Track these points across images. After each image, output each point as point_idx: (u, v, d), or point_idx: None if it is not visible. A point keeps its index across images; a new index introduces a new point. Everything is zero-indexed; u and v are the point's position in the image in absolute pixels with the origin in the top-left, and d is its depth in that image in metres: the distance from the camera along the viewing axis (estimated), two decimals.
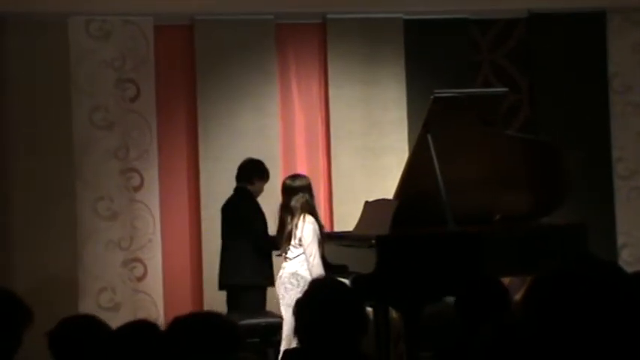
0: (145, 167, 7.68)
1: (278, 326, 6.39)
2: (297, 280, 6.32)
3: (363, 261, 5.82)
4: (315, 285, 3.36)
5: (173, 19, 7.81)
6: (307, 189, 6.49)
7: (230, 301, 6.86)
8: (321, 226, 6.50)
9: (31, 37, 7.53)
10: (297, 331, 3.13)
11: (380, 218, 6.17)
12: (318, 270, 6.26)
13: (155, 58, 7.73)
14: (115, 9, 7.62)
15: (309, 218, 6.40)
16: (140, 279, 7.61)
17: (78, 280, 7.47)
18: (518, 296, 5.56)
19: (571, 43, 8.15)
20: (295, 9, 7.94)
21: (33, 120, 7.51)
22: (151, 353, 2.90)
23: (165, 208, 7.69)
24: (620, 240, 8.14)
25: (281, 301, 6.41)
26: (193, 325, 3.04)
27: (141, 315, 7.12)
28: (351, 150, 7.89)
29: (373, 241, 5.78)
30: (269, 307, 6.75)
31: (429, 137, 6.04)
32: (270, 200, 6.86)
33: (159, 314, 7.47)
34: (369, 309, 6.32)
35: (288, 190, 6.50)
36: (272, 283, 6.59)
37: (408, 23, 8.02)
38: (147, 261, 7.62)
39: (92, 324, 3.30)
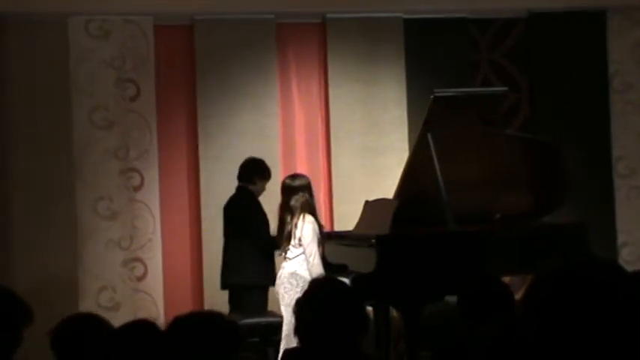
0: (145, 167, 7.68)
1: (278, 326, 6.39)
2: (297, 280, 6.32)
3: (364, 260, 5.82)
4: (315, 284, 3.36)
5: (173, 18, 7.81)
6: (307, 188, 6.49)
7: (232, 301, 6.86)
8: (320, 226, 6.50)
9: (31, 37, 7.53)
10: (298, 330, 3.13)
11: (380, 218, 6.17)
12: (318, 270, 6.26)
13: (155, 57, 7.73)
14: (115, 9, 7.62)
15: (309, 218, 6.40)
16: (140, 279, 7.61)
17: (78, 280, 7.47)
18: (518, 296, 5.55)
19: (571, 42, 8.15)
20: (295, 8, 7.94)
21: (33, 120, 7.51)
22: (151, 353, 2.90)
23: (165, 207, 7.69)
24: (621, 239, 8.14)
25: (281, 301, 6.42)
26: (194, 325, 3.04)
27: (141, 315, 7.12)
28: (351, 149, 7.89)
29: (373, 241, 5.77)
30: (271, 306, 6.74)
31: (429, 137, 6.04)
32: (270, 200, 6.85)
33: (159, 314, 7.47)
34: (369, 308, 6.32)
35: (288, 190, 6.49)
36: (274, 282, 6.58)
37: (407, 23, 8.01)
38: (147, 260, 7.62)
39: (94, 323, 3.30)
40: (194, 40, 7.80)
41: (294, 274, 6.35)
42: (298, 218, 6.38)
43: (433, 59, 7.97)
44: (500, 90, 7.12)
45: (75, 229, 7.51)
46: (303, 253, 6.35)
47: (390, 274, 5.70)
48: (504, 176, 6.30)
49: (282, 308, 6.36)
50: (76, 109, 7.58)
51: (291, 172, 7.05)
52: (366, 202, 6.66)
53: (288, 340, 6.13)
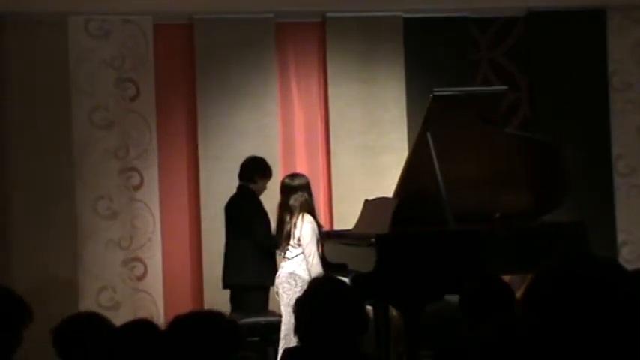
0: (144, 166, 7.68)
1: (278, 325, 6.38)
2: (295, 280, 6.32)
3: (363, 259, 5.82)
4: (315, 284, 3.36)
5: (172, 18, 7.81)
6: (306, 188, 6.49)
7: (233, 301, 6.86)
8: (319, 226, 6.50)
9: (31, 37, 7.53)
10: (297, 329, 3.13)
11: (380, 217, 6.17)
12: (317, 269, 6.26)
13: (155, 57, 7.73)
14: (115, 8, 7.63)
15: (308, 218, 6.39)
16: (140, 278, 7.61)
17: (78, 280, 7.48)
18: (517, 295, 5.55)
19: (571, 41, 8.15)
20: (294, 8, 7.94)
21: (33, 120, 7.51)
22: (151, 352, 2.90)
23: (165, 207, 7.69)
24: (620, 238, 8.14)
25: (280, 301, 6.42)
26: (194, 324, 3.04)
27: (141, 314, 7.12)
28: (351, 149, 7.89)
29: (373, 240, 5.77)
30: (272, 306, 6.74)
31: (429, 136, 6.03)
32: (269, 199, 6.85)
33: (159, 313, 7.47)
34: (369, 307, 6.32)
35: (287, 189, 6.49)
36: (274, 282, 6.58)
37: (407, 22, 8.01)
38: (147, 260, 7.62)
39: (96, 321, 3.31)
40: (193, 39, 7.80)
41: (292, 274, 6.35)
42: (297, 218, 6.38)
43: (433, 58, 7.97)
44: (499, 89, 7.11)
45: (75, 228, 7.51)
46: (302, 253, 6.35)
47: (390, 273, 5.69)
48: (504, 175, 6.30)
49: (282, 308, 6.37)
50: (75, 109, 7.58)
51: (291, 172, 7.06)
52: (366, 201, 6.66)
53: (286, 339, 6.13)
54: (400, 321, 6.14)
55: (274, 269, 6.60)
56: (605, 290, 1.72)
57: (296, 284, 6.27)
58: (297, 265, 6.36)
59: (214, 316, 3.11)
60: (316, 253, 6.34)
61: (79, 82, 7.59)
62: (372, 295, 5.76)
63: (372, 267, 5.70)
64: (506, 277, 5.77)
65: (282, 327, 6.29)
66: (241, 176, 6.99)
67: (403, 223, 6.01)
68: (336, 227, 7.50)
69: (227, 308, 6.69)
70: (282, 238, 6.44)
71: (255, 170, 6.96)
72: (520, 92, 8.18)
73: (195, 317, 3.11)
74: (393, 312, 6.50)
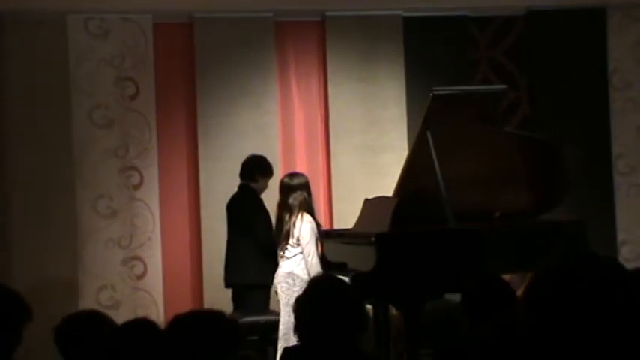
0: (144, 165, 7.68)
1: (278, 324, 6.38)
2: (293, 280, 6.31)
3: (363, 258, 5.82)
4: (314, 283, 3.36)
5: (172, 16, 7.81)
6: (305, 187, 6.49)
7: (235, 300, 6.86)
8: (318, 225, 6.50)
9: (30, 36, 7.53)
10: (297, 328, 3.13)
11: (380, 216, 6.17)
12: (316, 269, 6.26)
13: (154, 56, 7.73)
14: (114, 7, 7.62)
15: (307, 217, 6.39)
16: (140, 277, 7.61)
17: (78, 279, 7.47)
18: (518, 293, 5.56)
19: (570, 40, 8.14)
20: (294, 6, 7.93)
21: (32, 119, 7.51)
22: (151, 351, 2.90)
23: (164, 206, 7.69)
24: (620, 237, 8.14)
25: (279, 300, 6.42)
26: (194, 323, 3.04)
27: (141, 313, 7.12)
28: (351, 148, 7.89)
29: (373, 239, 5.77)
30: (273, 305, 6.74)
31: (429, 135, 6.03)
32: (269, 198, 6.85)
33: (159, 312, 7.47)
34: (369, 306, 6.32)
35: (286, 189, 6.49)
36: None
37: (407, 21, 8.01)
38: (147, 259, 7.62)
39: (97, 319, 3.31)
40: (193, 37, 7.80)
41: (290, 274, 6.35)
42: (296, 217, 6.38)
43: (432, 57, 7.96)
44: (499, 88, 7.11)
45: (75, 227, 7.51)
46: (301, 252, 6.35)
47: (390, 272, 5.70)
48: (504, 174, 6.30)
49: (281, 307, 6.37)
50: (75, 108, 7.57)
51: (291, 171, 7.05)
52: (366, 200, 6.66)
53: (285, 339, 6.12)
54: (400, 320, 6.14)
55: (276, 268, 6.60)
56: (604, 289, 1.72)
57: (294, 284, 6.27)
58: (296, 264, 6.35)
59: (214, 315, 3.11)
60: (315, 253, 6.34)
61: (79, 81, 7.59)
62: (371, 294, 5.76)
63: (372, 266, 5.70)
64: (506, 276, 5.78)
65: (280, 326, 6.28)
66: (242, 175, 6.98)
67: (403, 222, 6.01)
68: (336, 226, 7.50)
69: (227, 307, 6.68)
70: (281, 237, 6.43)
71: (256, 169, 6.95)
72: (520, 91, 8.18)
73: (195, 316, 3.11)
74: (393, 311, 6.50)
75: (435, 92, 6.08)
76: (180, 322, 3.05)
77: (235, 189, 7.02)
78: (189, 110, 7.81)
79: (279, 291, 6.39)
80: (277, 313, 6.48)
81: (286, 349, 3.42)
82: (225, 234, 7.02)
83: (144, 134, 7.67)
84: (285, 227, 6.40)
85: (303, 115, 7.96)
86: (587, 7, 8.18)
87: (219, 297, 6.89)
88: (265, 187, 6.95)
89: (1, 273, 7.12)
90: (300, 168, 7.53)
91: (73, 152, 7.53)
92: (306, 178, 6.59)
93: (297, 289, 6.02)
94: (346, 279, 5.60)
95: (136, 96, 7.68)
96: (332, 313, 3.05)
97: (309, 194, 6.50)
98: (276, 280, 6.43)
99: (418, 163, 6.13)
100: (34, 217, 7.45)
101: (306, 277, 6.16)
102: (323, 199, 7.81)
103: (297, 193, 6.42)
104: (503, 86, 7.02)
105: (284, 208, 6.45)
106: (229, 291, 6.93)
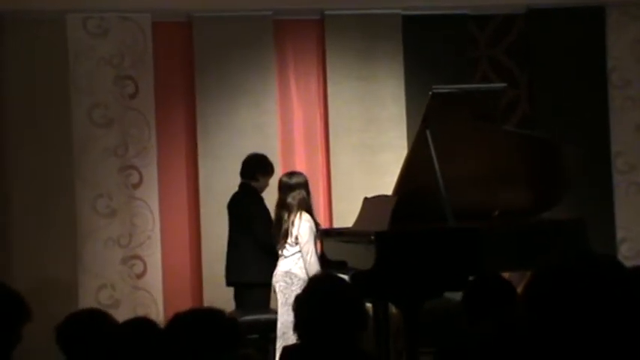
0: (143, 164, 7.68)
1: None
2: (291, 279, 6.31)
3: (363, 257, 5.81)
4: (314, 281, 3.37)
5: (171, 15, 7.81)
6: (304, 186, 6.48)
7: (237, 298, 6.87)
8: (317, 224, 6.49)
9: (29, 35, 7.53)
10: (297, 327, 3.13)
11: (379, 214, 6.17)
12: (315, 268, 6.26)
13: (153, 54, 7.73)
14: (113, 6, 7.62)
15: (306, 216, 6.39)
16: (139, 276, 7.61)
17: (77, 278, 7.48)
18: (517, 291, 5.56)
19: (570, 39, 8.14)
20: (293, 5, 7.94)
21: (32, 118, 7.51)
22: (151, 350, 2.90)
23: (164, 205, 7.69)
24: (619, 235, 8.14)
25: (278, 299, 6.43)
26: (194, 322, 3.04)
27: (140, 312, 7.13)
28: (350, 147, 7.89)
29: (372, 237, 5.77)
30: (274, 304, 6.73)
31: (428, 133, 6.03)
32: (268, 197, 6.85)
33: (158, 311, 7.47)
34: (369, 305, 6.32)
35: (285, 187, 6.48)
36: None
37: (406, 19, 8.01)
38: (146, 258, 7.62)
39: (98, 318, 3.31)
40: (192, 36, 7.80)
41: (288, 273, 6.35)
42: (295, 216, 6.37)
43: (432, 56, 7.96)
44: (498, 86, 7.11)
45: (74, 227, 7.51)
46: (299, 251, 6.34)
47: (389, 271, 5.69)
48: (503, 172, 6.30)
49: (279, 306, 6.37)
50: (75, 107, 7.58)
51: (290, 170, 7.05)
52: (365, 198, 6.66)
53: (284, 338, 6.12)
54: (399, 318, 6.14)
55: (276, 267, 6.60)
56: (604, 287, 1.72)
57: (292, 283, 6.27)
58: (294, 263, 6.35)
59: (214, 313, 3.11)
60: (314, 252, 6.34)
61: (78, 80, 7.59)
62: (371, 292, 5.76)
63: (372, 264, 5.69)
64: (506, 275, 5.79)
65: (279, 325, 6.28)
66: (243, 174, 6.98)
67: (402, 221, 6.01)
68: (336, 225, 7.50)
69: (227, 306, 6.68)
70: (279, 236, 6.43)
71: (256, 167, 6.95)
72: (519, 89, 8.18)
73: (195, 315, 3.11)
74: (393, 309, 6.50)
75: (435, 91, 6.07)
76: (180, 321, 3.05)
77: (235, 187, 7.02)
78: (188, 109, 7.81)
79: (277, 290, 6.39)
80: (277, 312, 6.48)
81: (286, 348, 3.42)
82: (224, 233, 7.03)
83: (143, 133, 7.67)
84: (284, 226, 6.39)
85: (302, 114, 7.96)
86: (587, 6, 8.18)
87: (218, 296, 6.89)
88: (266, 185, 6.95)
89: (1, 272, 7.12)
90: (300, 167, 7.53)
91: (72, 151, 7.53)
92: (304, 176, 6.59)
93: (296, 288, 6.02)
94: (346, 278, 5.61)
95: (135, 95, 7.68)
96: (332, 311, 3.05)
97: (308, 193, 6.50)
98: (274, 279, 6.43)
99: (417, 161, 6.12)
100: (33, 216, 7.45)
101: (304, 276, 6.16)
102: (322, 198, 7.81)
103: (296, 192, 6.42)
104: (503, 84, 7.01)
105: (283, 206, 6.44)
106: (229, 289, 6.93)
